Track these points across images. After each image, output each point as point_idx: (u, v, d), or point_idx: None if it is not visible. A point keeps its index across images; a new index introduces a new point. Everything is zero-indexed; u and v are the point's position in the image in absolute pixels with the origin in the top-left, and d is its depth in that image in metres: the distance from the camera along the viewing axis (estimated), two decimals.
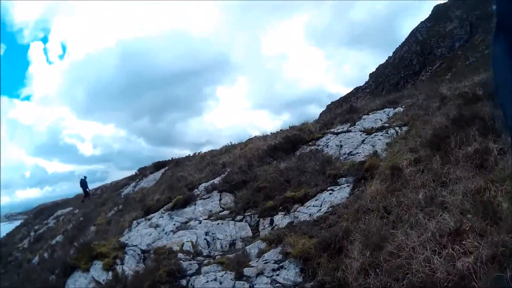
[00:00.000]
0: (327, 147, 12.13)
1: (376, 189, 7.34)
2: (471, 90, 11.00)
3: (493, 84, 1.33)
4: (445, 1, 69.14)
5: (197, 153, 26.23)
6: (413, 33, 69.38)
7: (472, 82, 13.26)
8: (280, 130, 17.67)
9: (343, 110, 16.31)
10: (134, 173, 30.26)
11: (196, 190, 12.96)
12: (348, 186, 8.73)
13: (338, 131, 13.24)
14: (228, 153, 17.68)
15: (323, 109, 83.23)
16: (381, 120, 12.95)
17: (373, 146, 10.79)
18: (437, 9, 68.73)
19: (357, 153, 10.72)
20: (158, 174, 24.42)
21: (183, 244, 9.12)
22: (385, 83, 69.75)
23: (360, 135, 12.10)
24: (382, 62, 78.68)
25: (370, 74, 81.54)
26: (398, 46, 74.49)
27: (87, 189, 32.66)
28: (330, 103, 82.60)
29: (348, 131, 12.87)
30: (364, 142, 11.42)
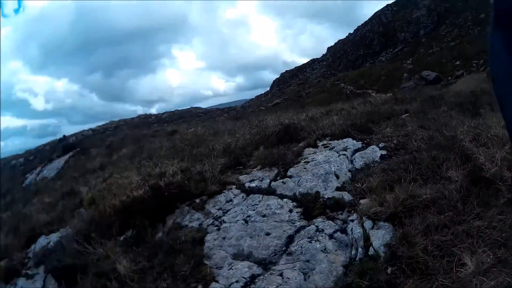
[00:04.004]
0: (218, 231, 5.46)
1: None
2: None
3: (491, 77, 1.28)
4: None
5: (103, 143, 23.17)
6: (377, 15, 65.12)
7: None
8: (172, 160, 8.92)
9: (273, 133, 8.39)
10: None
11: (32, 247, 7.70)
12: None
13: (252, 185, 6.37)
14: (93, 178, 10.60)
15: (277, 77, 79.40)
16: (337, 177, 6.08)
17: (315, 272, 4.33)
18: None
19: None
20: (62, 161, 21.51)
21: None
22: (343, 59, 66.30)
23: (289, 213, 5.45)
24: (342, 38, 74.08)
25: (328, 47, 77.23)
26: (360, 24, 69.78)
27: None
28: (284, 71, 79.22)
29: (269, 191, 6.09)
30: (296, 241, 4.92)
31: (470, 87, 27.46)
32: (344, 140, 7.55)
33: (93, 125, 56.92)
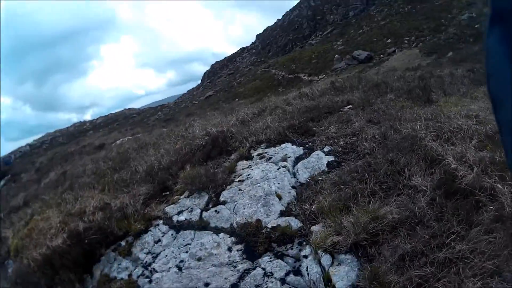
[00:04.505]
0: (150, 284, 4.51)
1: None
2: None
3: (486, 75, 1.18)
4: None
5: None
6: None
7: None
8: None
9: (199, 147, 7.31)
10: None
11: None
12: None
13: (181, 218, 5.27)
14: (17, 219, 9.04)
15: (207, 69, 78.95)
16: (279, 198, 5.14)
17: None
18: None
19: None
20: None
21: None
22: (272, 45, 66.36)
23: (229, 252, 4.48)
24: (271, 25, 73.34)
25: (257, 35, 77.23)
26: (288, 10, 69.77)
27: None
28: (214, 62, 79.11)
29: (201, 225, 5.04)
30: None
31: (404, 63, 27.44)
32: (282, 146, 6.60)
33: (30, 140, 55.77)
